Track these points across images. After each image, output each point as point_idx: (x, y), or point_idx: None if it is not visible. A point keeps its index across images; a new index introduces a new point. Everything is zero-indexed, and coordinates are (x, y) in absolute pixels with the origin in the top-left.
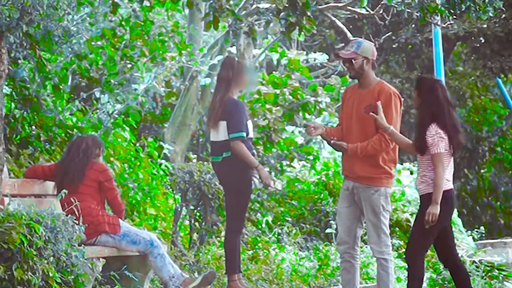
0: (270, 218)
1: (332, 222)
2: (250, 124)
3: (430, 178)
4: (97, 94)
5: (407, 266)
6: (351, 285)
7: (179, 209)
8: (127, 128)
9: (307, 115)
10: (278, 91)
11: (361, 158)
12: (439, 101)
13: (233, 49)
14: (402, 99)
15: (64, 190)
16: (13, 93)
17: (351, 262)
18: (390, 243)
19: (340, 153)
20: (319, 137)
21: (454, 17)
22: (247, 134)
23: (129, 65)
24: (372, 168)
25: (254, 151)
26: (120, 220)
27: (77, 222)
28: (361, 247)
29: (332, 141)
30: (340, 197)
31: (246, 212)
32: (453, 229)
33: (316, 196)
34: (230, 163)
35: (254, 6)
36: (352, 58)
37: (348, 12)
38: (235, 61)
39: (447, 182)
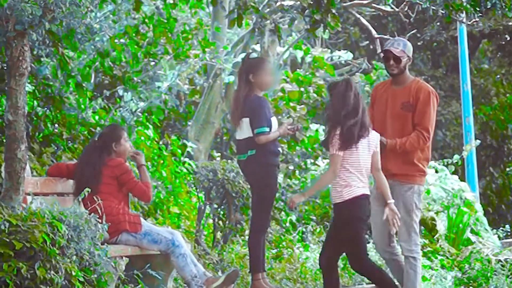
0: (294, 217)
1: None
2: (274, 120)
3: (340, 185)
4: (120, 92)
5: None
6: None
7: (202, 208)
8: (151, 126)
9: None
10: (302, 89)
11: (394, 156)
12: (344, 105)
13: (257, 47)
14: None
15: (87, 189)
16: (36, 91)
17: (395, 260)
18: (419, 242)
19: None
20: None
21: (480, 14)
22: (270, 129)
23: (152, 63)
24: (407, 165)
25: (280, 149)
26: (141, 219)
27: (100, 220)
28: None
29: None
30: (372, 197)
31: (271, 211)
32: (479, 227)
33: None
34: (256, 161)
35: (278, 3)
36: (401, 56)
37: (373, 10)
38: (246, 57)
39: (357, 188)
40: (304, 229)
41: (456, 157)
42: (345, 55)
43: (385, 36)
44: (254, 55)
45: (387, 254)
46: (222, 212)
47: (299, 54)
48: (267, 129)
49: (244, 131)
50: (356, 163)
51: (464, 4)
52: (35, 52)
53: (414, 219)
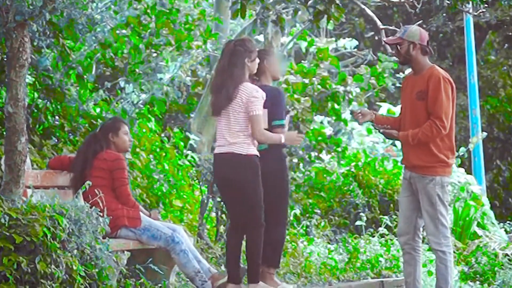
0: (298, 210)
1: (362, 214)
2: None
3: None
4: (122, 84)
5: None
6: (412, 278)
7: (205, 201)
8: (152, 119)
9: (335, 106)
10: (306, 81)
11: (415, 147)
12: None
13: (261, 38)
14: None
15: (88, 182)
16: (36, 82)
17: (412, 254)
18: (449, 234)
19: (363, 147)
20: (349, 128)
21: (486, 5)
22: None
23: (154, 54)
24: (427, 157)
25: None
26: (141, 213)
27: (101, 214)
28: (391, 240)
29: (381, 130)
30: (401, 187)
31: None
32: (485, 221)
33: (345, 188)
34: (270, 155)
35: None
36: (397, 43)
37: (378, 0)
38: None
39: (216, 148)
40: (308, 223)
41: (463, 149)
42: (349, 44)
43: (391, 27)
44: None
45: (407, 246)
46: (225, 206)
47: (303, 45)
48: (284, 122)
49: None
50: (219, 125)
51: None
52: (35, 43)
53: (440, 211)
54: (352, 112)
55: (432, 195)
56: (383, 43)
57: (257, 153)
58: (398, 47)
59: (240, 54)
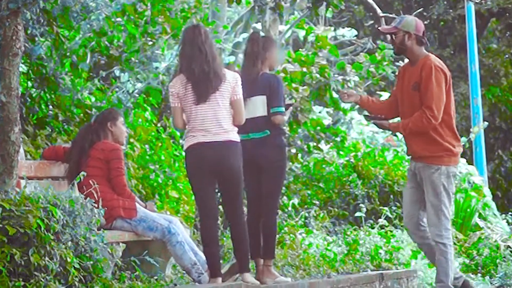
0: (296, 201)
1: (361, 205)
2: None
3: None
4: (117, 73)
5: None
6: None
7: None
8: (148, 108)
9: (334, 94)
10: (305, 69)
11: (418, 137)
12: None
13: (259, 26)
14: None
15: (83, 173)
16: (30, 71)
17: (427, 244)
18: (450, 226)
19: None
20: (348, 118)
21: None
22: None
23: (150, 43)
24: (431, 146)
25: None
26: (137, 204)
27: (96, 205)
28: (391, 232)
29: (372, 121)
30: (407, 178)
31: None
32: (487, 212)
33: (344, 179)
34: (271, 143)
35: None
36: (392, 32)
37: None
38: (257, 35)
39: (192, 138)
40: (307, 214)
41: (464, 139)
42: (348, 33)
43: (390, 15)
44: (262, 33)
45: (418, 238)
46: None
47: (302, 33)
48: (284, 110)
49: (258, 109)
50: (192, 114)
51: None
52: (29, 32)
53: (444, 202)
54: (338, 92)
55: (437, 184)
56: (378, 31)
57: None
58: (393, 37)
59: (209, 37)
